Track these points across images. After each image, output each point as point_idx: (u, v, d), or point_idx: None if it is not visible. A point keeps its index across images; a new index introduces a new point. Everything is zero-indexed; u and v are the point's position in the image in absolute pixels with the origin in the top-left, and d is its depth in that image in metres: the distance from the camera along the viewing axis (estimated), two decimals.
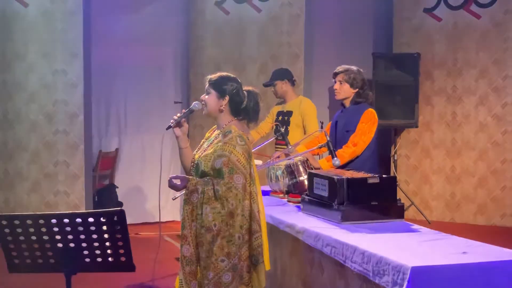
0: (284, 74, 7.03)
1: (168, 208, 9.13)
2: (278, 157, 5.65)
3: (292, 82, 7.05)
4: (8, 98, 8.26)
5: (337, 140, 5.56)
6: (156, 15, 9.38)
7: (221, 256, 3.86)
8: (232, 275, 3.87)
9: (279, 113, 7.04)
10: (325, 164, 5.35)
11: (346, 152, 5.40)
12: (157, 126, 9.13)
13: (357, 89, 5.55)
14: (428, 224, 8.74)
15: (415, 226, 4.32)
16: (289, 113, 6.95)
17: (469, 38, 9.23)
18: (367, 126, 5.45)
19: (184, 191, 4.02)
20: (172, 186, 3.99)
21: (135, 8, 9.30)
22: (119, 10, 9.19)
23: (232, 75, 4.18)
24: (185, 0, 9.41)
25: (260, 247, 3.97)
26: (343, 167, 5.32)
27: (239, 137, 3.99)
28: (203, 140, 4.27)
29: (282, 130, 5.86)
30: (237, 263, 3.89)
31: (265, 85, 7.11)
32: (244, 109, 4.12)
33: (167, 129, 4.13)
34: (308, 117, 6.86)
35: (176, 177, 4.01)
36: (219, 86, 4.09)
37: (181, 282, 3.95)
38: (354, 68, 5.58)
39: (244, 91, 4.14)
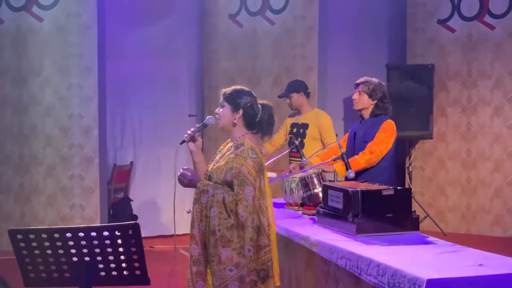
0: (300, 87, 7.03)
1: (183, 221, 9.10)
2: (290, 171, 5.66)
3: (307, 94, 7.05)
4: (24, 112, 8.31)
5: (355, 150, 5.56)
6: (170, 28, 9.42)
7: (230, 266, 3.86)
8: (238, 285, 3.87)
9: (294, 125, 7.03)
10: (340, 168, 5.32)
11: (362, 159, 5.40)
12: (171, 139, 9.14)
13: (375, 101, 5.55)
14: (444, 236, 8.69)
15: (431, 238, 4.30)
16: (305, 126, 6.94)
17: (483, 49, 9.20)
18: (385, 136, 5.45)
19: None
20: (181, 175, 4.00)
21: (149, 22, 9.35)
22: (133, 24, 9.24)
23: (246, 89, 4.19)
24: (199, 13, 9.46)
25: (270, 261, 3.95)
26: (360, 174, 5.31)
27: (251, 150, 3.99)
28: (216, 153, 4.28)
29: (297, 142, 5.85)
30: (245, 275, 3.88)
31: (280, 97, 7.13)
32: (258, 123, 4.12)
33: (181, 143, 4.14)
34: (326, 131, 6.84)
35: (188, 169, 4.03)
36: (233, 99, 4.10)
37: (189, 282, 3.98)
38: (374, 80, 5.60)
39: (259, 105, 4.14)
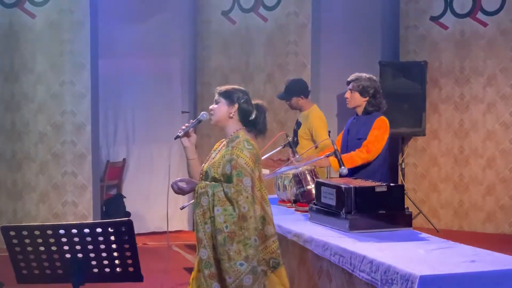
0: (300, 91, 6.83)
1: (176, 218, 9.13)
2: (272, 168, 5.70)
3: (307, 94, 6.97)
4: (16, 109, 8.29)
5: (348, 148, 5.56)
6: (163, 25, 9.40)
7: (240, 260, 3.85)
8: (252, 277, 3.87)
9: (296, 121, 7.04)
10: (336, 163, 5.30)
11: (359, 156, 5.39)
12: (164, 136, 9.14)
13: (367, 98, 5.53)
14: (437, 232, 8.70)
15: (423, 235, 4.31)
16: (299, 124, 6.93)
17: (476, 46, 9.22)
18: (380, 133, 5.44)
19: (192, 201, 4.04)
20: (178, 189, 4.03)
21: (142, 19, 9.33)
22: (126, 21, 9.22)
23: (241, 87, 4.21)
24: (192, 10, 9.44)
25: (279, 249, 3.99)
26: (354, 173, 5.31)
27: (246, 141, 4.02)
28: (211, 152, 4.28)
29: (289, 138, 5.84)
30: (256, 266, 3.89)
31: (280, 98, 7.06)
32: (253, 121, 4.14)
33: (175, 138, 4.14)
34: (316, 132, 6.75)
35: (181, 180, 4.04)
36: (228, 94, 4.12)
37: (203, 285, 3.94)
38: (365, 76, 5.56)
39: (254, 104, 4.15)
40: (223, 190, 3.92)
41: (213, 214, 3.91)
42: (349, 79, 5.62)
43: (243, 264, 3.86)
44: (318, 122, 6.80)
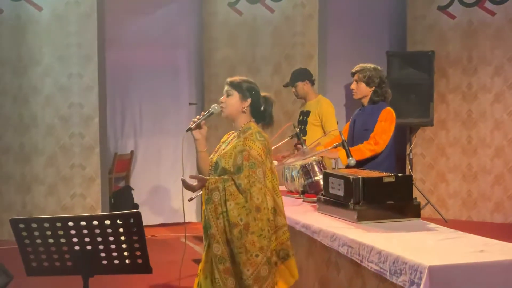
0: (304, 75, 7.06)
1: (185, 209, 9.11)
2: (284, 156, 5.69)
3: (312, 82, 7.08)
4: (24, 102, 8.31)
5: (354, 138, 5.55)
6: (170, 17, 9.39)
7: (255, 251, 3.85)
8: (268, 268, 3.88)
9: (301, 113, 7.10)
10: (344, 156, 5.30)
11: (367, 148, 5.39)
12: (172, 127, 9.16)
13: (373, 87, 5.53)
14: (445, 222, 8.69)
15: (432, 225, 4.31)
16: (307, 113, 6.97)
17: (484, 35, 9.18)
18: (387, 124, 5.43)
19: (200, 192, 4.04)
20: (187, 186, 4.01)
21: (148, 10, 9.33)
22: (132, 12, 9.21)
23: (250, 79, 4.20)
24: (198, 2, 9.43)
25: (289, 241, 3.99)
26: (361, 165, 5.31)
27: (258, 133, 4.02)
28: (220, 144, 4.27)
29: (297, 130, 5.85)
30: (270, 256, 3.90)
31: (286, 86, 7.17)
32: (261, 114, 4.14)
33: (187, 131, 4.12)
34: (326, 118, 6.87)
35: (192, 177, 4.02)
36: (241, 88, 4.10)
37: (217, 280, 3.92)
38: (370, 66, 5.56)
39: (262, 96, 4.15)
40: (235, 183, 3.91)
41: (226, 209, 3.90)
42: (353, 70, 5.62)
43: (258, 255, 3.86)
44: (328, 108, 6.96)
